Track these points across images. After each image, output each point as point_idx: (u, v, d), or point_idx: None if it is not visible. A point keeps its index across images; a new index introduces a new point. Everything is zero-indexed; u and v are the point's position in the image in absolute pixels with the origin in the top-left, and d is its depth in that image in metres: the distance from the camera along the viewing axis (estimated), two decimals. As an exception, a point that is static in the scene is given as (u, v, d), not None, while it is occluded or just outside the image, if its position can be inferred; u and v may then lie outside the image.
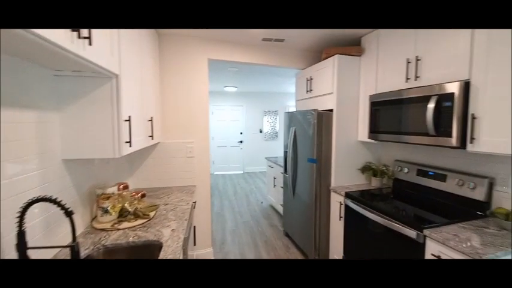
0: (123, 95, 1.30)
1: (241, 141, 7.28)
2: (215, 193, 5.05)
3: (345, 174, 2.37)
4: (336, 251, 2.30)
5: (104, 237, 1.31)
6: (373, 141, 2.16)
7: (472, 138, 1.40)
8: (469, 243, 1.23)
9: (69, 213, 0.84)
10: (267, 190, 4.48)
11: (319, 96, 2.52)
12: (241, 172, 7.31)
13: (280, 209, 3.45)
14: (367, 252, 1.88)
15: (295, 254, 2.67)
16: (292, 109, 6.48)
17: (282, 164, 3.28)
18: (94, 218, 1.50)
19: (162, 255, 1.12)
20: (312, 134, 2.34)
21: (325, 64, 2.37)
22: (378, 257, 1.77)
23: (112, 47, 1.18)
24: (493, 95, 1.31)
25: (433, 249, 1.35)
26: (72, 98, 1.21)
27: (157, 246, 1.24)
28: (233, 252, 2.73)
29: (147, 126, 1.78)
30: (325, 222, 2.41)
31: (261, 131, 7.40)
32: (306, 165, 2.49)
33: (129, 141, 1.34)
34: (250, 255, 2.66)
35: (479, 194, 1.59)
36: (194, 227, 2.06)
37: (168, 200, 1.92)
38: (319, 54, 2.86)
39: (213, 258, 2.57)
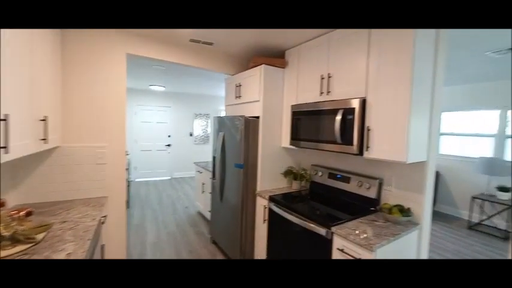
0: (-4, 87, 1.01)
1: (169, 145, 6.82)
2: (136, 203, 4.54)
3: (270, 179, 2.49)
4: (260, 253, 2.38)
5: (-42, 275, 0.97)
6: (294, 147, 2.35)
7: (367, 147, 1.67)
8: (364, 235, 1.45)
9: None
10: (195, 196, 4.31)
11: (247, 103, 2.58)
12: (169, 178, 6.83)
13: (208, 216, 3.36)
14: (287, 252, 2.01)
15: (221, 261, 2.64)
16: (224, 114, 6.49)
17: (211, 169, 3.21)
18: None
19: None
20: (239, 139, 2.37)
21: (253, 72, 2.45)
22: (297, 255, 1.91)
23: (-23, 23, 0.90)
24: (380, 111, 1.61)
25: (338, 244, 1.54)
26: None
27: (44, 277, 1.00)
28: (154, 267, 2.48)
29: (37, 127, 1.44)
30: (251, 226, 2.47)
31: (191, 135, 7.12)
32: (233, 170, 2.50)
33: (5, 147, 1.04)
34: (173, 269, 2.47)
35: (372, 193, 1.92)
36: (103, 245, 1.78)
37: (68, 216, 1.60)
38: (247, 61, 2.95)
39: (128, 277, 2.27)
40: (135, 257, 2.66)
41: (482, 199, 3.71)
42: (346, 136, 1.77)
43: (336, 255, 1.55)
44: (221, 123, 2.76)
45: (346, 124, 1.76)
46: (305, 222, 1.79)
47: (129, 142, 6.16)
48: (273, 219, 2.17)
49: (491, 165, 3.63)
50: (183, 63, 2.55)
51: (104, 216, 1.88)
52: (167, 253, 2.77)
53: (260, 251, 2.39)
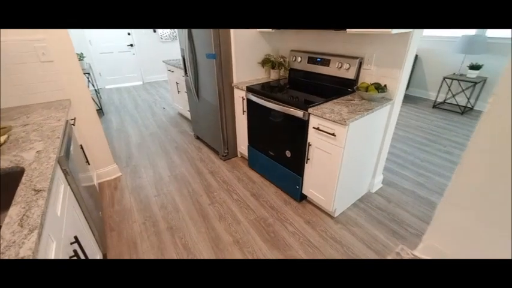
0: None
1: (131, 45, 5.98)
2: (111, 110, 4.36)
3: (246, 69, 2.33)
4: (243, 142, 2.52)
5: None
6: (271, 30, 2.08)
7: (351, 18, 1.48)
8: (339, 113, 1.49)
9: None
10: (172, 98, 4.15)
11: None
12: (141, 83, 6.38)
13: (189, 115, 3.34)
14: (268, 138, 2.12)
15: (206, 153, 2.82)
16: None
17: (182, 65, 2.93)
18: None
19: (27, 181, 0.90)
20: (207, 23, 2.03)
21: None
22: (276, 138, 2.03)
23: None
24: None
25: (314, 124, 1.60)
26: None
27: (18, 173, 0.98)
28: (142, 163, 2.63)
29: None
30: (231, 119, 2.50)
31: (154, 31, 6.16)
32: (206, 62, 2.28)
33: None
34: (161, 163, 2.64)
35: (351, 74, 1.86)
36: (81, 145, 1.76)
37: (28, 120, 1.47)
38: None
39: (120, 174, 2.43)
40: (122, 156, 2.76)
41: (452, 79, 3.86)
42: (329, 7, 1.52)
43: (312, 133, 1.64)
44: (183, 4, 2.28)
45: (330, -10, 1.48)
46: (283, 107, 1.80)
47: (82, 43, 5.30)
48: (252, 109, 2.17)
49: (472, 43, 3.57)
50: None
51: (73, 119, 1.77)
52: (153, 150, 2.89)
53: (243, 141, 2.53)
